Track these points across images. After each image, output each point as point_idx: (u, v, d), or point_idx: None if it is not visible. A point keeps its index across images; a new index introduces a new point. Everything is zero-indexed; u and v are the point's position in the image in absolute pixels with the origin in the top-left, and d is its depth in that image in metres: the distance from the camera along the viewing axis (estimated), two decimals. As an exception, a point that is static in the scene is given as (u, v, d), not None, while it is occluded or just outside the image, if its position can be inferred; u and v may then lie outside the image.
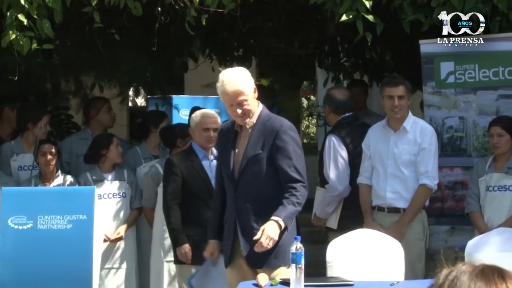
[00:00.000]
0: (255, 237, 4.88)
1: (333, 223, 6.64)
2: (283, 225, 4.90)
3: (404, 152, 6.15)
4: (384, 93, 6.24)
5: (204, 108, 8.09)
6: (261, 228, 4.90)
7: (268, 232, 4.86)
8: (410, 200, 6.13)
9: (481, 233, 5.96)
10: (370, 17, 6.18)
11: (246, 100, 5.05)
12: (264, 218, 4.97)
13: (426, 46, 6.61)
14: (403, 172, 6.13)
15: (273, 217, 4.90)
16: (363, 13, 6.16)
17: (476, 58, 6.53)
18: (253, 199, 5.08)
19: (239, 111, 5.06)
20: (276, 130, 5.08)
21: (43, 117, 7.49)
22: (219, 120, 6.47)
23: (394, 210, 6.15)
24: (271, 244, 4.88)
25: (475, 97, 6.61)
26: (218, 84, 5.09)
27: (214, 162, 6.15)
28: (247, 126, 5.15)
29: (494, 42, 6.46)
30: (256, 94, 5.13)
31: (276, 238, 4.89)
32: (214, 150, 6.35)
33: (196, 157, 6.41)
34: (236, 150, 5.19)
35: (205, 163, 6.41)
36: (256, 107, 5.15)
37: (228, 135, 5.28)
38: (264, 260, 5.04)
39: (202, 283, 5.43)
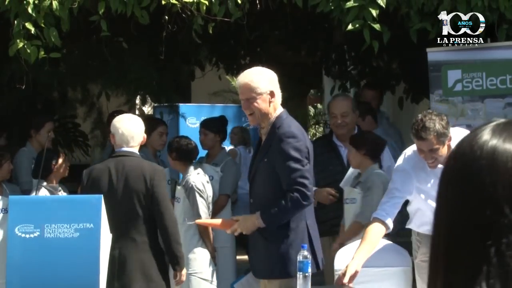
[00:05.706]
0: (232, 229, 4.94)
1: None
2: (261, 223, 4.81)
3: None
4: None
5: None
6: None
7: (242, 222, 4.90)
8: None
9: None
10: (377, 26, 6.18)
11: (255, 99, 4.81)
12: (267, 228, 4.86)
13: (434, 54, 6.60)
14: None
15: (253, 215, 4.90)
16: (370, 22, 6.16)
17: (483, 66, 6.52)
18: (260, 207, 4.94)
19: (246, 107, 4.86)
20: (278, 137, 4.81)
21: (46, 124, 7.47)
22: None
23: None
24: (238, 231, 4.90)
25: (483, 105, 6.59)
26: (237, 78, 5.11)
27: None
28: (262, 133, 4.99)
29: (501, 50, 6.45)
30: (274, 99, 4.88)
31: (246, 232, 4.88)
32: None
33: None
34: (256, 157, 5.09)
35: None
36: (272, 112, 4.89)
37: (258, 142, 5.15)
38: (262, 271, 4.94)
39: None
